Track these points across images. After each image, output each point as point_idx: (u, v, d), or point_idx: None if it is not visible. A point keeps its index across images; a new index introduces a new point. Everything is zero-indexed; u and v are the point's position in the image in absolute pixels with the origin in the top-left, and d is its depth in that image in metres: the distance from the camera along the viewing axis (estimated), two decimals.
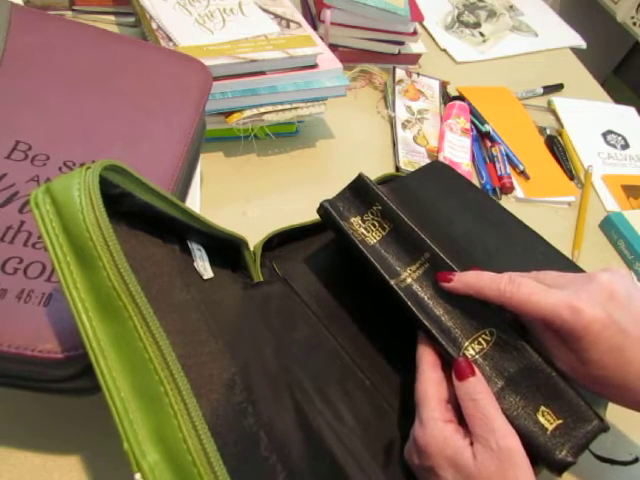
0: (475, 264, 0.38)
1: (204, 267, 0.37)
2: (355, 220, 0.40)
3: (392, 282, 0.37)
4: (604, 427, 0.32)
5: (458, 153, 0.63)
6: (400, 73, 0.71)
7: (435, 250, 0.37)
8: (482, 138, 0.69)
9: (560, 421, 0.32)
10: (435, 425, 0.32)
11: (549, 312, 0.31)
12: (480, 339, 0.35)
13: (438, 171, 0.50)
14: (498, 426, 0.30)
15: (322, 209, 0.41)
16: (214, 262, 0.38)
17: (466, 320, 0.35)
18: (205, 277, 0.36)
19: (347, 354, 0.39)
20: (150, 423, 0.19)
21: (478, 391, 0.32)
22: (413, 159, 0.62)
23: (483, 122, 0.69)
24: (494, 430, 0.30)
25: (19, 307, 0.28)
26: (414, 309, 0.35)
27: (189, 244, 0.37)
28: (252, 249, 0.43)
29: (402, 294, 0.36)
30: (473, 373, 0.33)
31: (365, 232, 0.40)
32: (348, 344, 0.40)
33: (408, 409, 0.35)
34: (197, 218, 0.34)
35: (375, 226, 0.40)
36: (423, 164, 0.51)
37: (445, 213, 0.45)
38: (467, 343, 0.35)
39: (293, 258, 0.45)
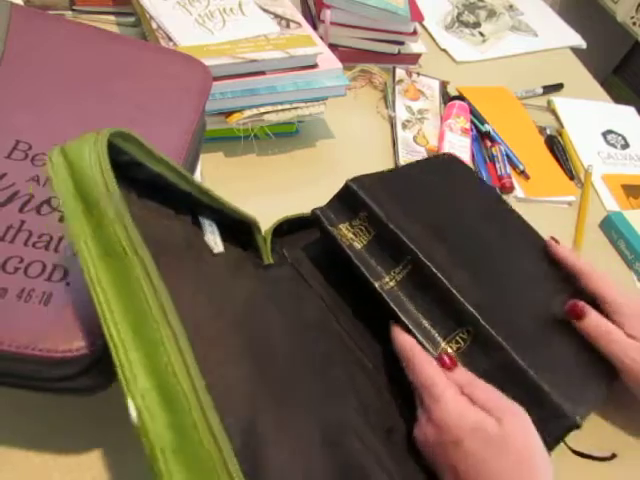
0: (475, 260, 0.40)
1: (215, 241, 0.38)
2: (344, 226, 0.42)
3: (376, 284, 0.39)
4: (576, 423, 0.34)
5: (458, 153, 0.63)
6: (400, 73, 0.71)
7: (417, 254, 0.39)
8: (482, 138, 0.69)
9: (533, 417, 0.33)
10: (452, 397, 0.33)
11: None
12: (457, 337, 0.37)
13: (449, 163, 0.52)
14: (509, 402, 0.33)
15: (313, 216, 0.43)
16: (225, 240, 0.39)
17: (444, 320, 0.38)
18: (215, 251, 0.37)
19: (351, 338, 0.40)
20: (144, 357, 0.21)
21: (472, 377, 0.35)
22: (413, 159, 0.62)
23: (483, 122, 0.69)
24: (508, 405, 0.33)
25: (19, 306, 0.28)
26: (396, 309, 0.38)
27: (200, 219, 0.37)
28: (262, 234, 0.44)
29: (385, 295, 0.38)
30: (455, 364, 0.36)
31: (353, 237, 0.41)
32: (351, 328, 0.41)
33: (407, 393, 0.37)
34: (208, 194, 0.35)
35: (362, 231, 0.42)
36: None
37: (452, 204, 0.47)
38: (444, 342, 0.37)
39: (301, 245, 0.46)
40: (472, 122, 0.69)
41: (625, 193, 0.69)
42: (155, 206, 0.32)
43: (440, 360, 0.36)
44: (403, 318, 0.38)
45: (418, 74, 0.73)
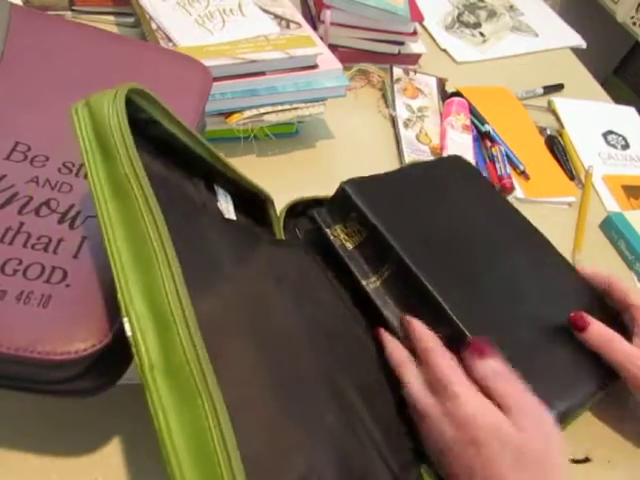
0: (477, 259, 0.42)
1: (227, 209, 0.39)
2: (339, 226, 0.44)
3: (363, 282, 0.41)
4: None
5: (461, 150, 0.63)
6: (398, 71, 0.71)
7: (401, 256, 0.40)
8: (482, 138, 0.69)
9: None
10: (473, 395, 0.33)
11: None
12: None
13: (455, 164, 0.53)
14: (533, 398, 0.33)
15: (310, 217, 0.45)
16: (238, 210, 0.40)
17: (425, 319, 0.39)
18: (226, 216, 0.38)
19: (357, 322, 0.42)
20: (142, 284, 0.23)
21: (501, 366, 0.34)
22: (418, 158, 0.62)
23: (483, 122, 0.69)
24: (530, 404, 0.32)
25: (18, 308, 0.28)
26: (380, 307, 0.41)
27: (215, 187, 0.38)
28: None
29: (370, 293, 0.41)
30: (493, 352, 0.35)
31: (347, 237, 0.44)
32: (355, 312, 0.42)
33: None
34: (222, 160, 0.36)
35: (355, 232, 0.44)
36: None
37: (451, 207, 0.47)
38: None
39: (313, 226, 0.48)
40: (472, 122, 0.69)
41: (625, 194, 0.69)
42: (170, 165, 0.34)
43: (475, 345, 0.35)
44: (385, 314, 0.40)
45: (415, 72, 0.72)
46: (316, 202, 0.47)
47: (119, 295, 0.23)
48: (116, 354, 0.29)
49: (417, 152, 0.63)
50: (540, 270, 0.46)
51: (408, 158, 0.61)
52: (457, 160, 0.54)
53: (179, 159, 0.34)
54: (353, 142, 0.63)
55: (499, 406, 0.32)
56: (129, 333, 0.22)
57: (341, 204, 0.44)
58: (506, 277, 0.44)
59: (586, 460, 0.39)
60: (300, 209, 0.48)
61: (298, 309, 0.38)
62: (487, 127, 0.69)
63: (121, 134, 0.26)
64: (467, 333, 0.36)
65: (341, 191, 0.44)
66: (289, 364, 0.32)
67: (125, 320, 0.22)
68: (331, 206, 0.45)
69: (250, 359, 0.29)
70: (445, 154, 0.62)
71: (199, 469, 0.20)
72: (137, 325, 0.22)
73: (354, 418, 0.34)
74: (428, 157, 0.62)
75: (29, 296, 0.28)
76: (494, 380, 0.33)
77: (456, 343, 0.36)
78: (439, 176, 0.50)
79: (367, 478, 0.32)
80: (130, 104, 0.28)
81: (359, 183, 0.45)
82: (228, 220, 0.38)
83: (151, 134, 0.31)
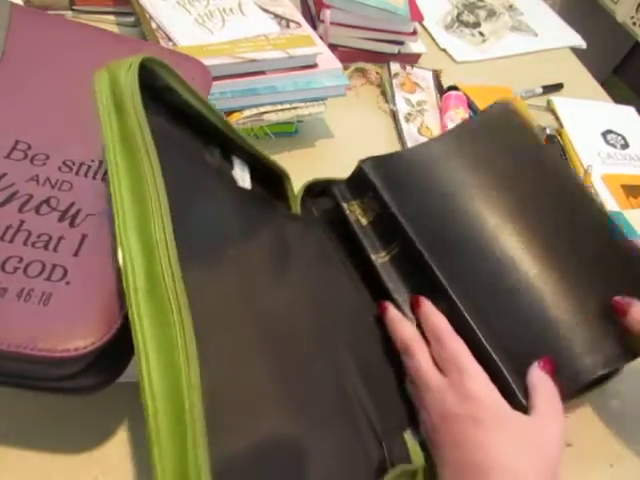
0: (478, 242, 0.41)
1: (243, 178, 0.40)
2: (356, 202, 0.46)
3: (372, 257, 0.43)
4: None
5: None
6: (395, 67, 0.71)
7: (408, 234, 0.42)
8: None
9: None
10: (480, 373, 0.34)
11: None
12: None
13: (503, 119, 0.49)
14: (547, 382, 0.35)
15: (330, 192, 0.47)
16: (255, 183, 0.42)
17: (429, 298, 0.40)
18: (240, 184, 0.40)
19: (362, 298, 0.43)
20: (136, 221, 0.27)
21: None
22: None
23: None
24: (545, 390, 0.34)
25: (19, 306, 0.28)
26: (386, 282, 0.42)
27: (231, 157, 0.40)
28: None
29: (378, 267, 0.43)
30: None
31: (362, 213, 0.46)
32: (364, 290, 0.44)
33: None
34: (238, 133, 0.38)
35: (370, 209, 0.45)
36: None
37: (503, 171, 0.46)
38: None
39: (329, 206, 0.49)
40: (472, 118, 0.69)
41: (625, 193, 0.69)
42: (186, 132, 0.36)
43: None
44: (389, 289, 0.41)
45: (412, 66, 0.72)
46: (333, 183, 0.49)
47: (116, 229, 0.27)
48: (116, 352, 0.29)
49: None
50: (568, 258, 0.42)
51: None
52: (505, 112, 0.49)
53: (196, 128, 0.37)
54: (353, 140, 0.63)
55: None
56: (121, 261, 0.26)
57: (359, 181, 0.46)
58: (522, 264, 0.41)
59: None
60: (317, 190, 0.49)
61: (301, 279, 0.39)
62: None
63: (131, 92, 0.30)
64: (468, 317, 0.37)
65: (358, 170, 0.46)
66: (279, 325, 0.34)
67: (119, 250, 0.26)
68: (349, 183, 0.47)
69: (234, 303, 0.31)
70: None
71: (165, 376, 0.23)
72: (128, 254, 0.26)
73: (349, 388, 0.35)
74: None
75: (29, 294, 0.28)
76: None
77: (455, 325, 0.37)
78: (477, 140, 0.48)
79: (354, 446, 0.32)
80: (148, 72, 0.32)
81: (375, 162, 0.46)
82: (241, 188, 0.40)
83: (168, 101, 0.35)
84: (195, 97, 0.35)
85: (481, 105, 0.71)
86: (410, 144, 0.62)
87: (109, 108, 0.30)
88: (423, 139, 0.64)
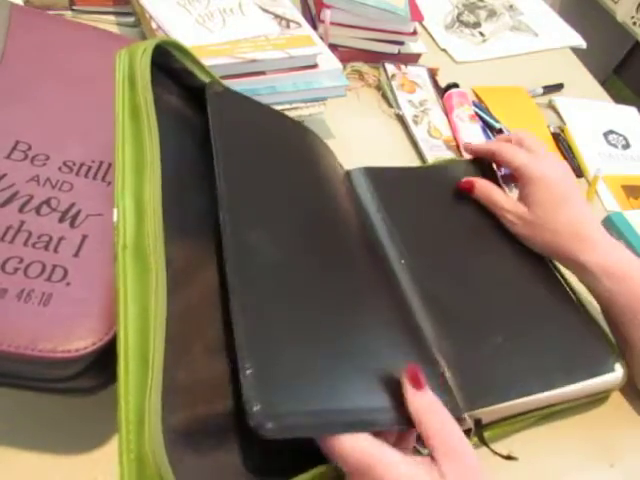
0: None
1: None
2: None
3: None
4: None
5: (474, 140, 0.63)
6: (390, 68, 0.70)
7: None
8: (493, 134, 0.69)
9: None
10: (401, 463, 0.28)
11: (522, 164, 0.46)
12: None
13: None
14: (459, 438, 0.30)
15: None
16: None
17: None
18: None
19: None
20: (134, 186, 0.29)
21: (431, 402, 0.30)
22: (438, 154, 0.62)
23: (496, 120, 0.70)
24: (457, 441, 0.29)
25: (19, 307, 0.28)
26: None
27: None
28: None
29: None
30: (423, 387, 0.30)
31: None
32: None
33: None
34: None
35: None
36: (448, 157, 0.60)
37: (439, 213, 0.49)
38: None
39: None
40: (482, 119, 0.69)
41: (625, 193, 0.69)
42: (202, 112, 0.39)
43: (410, 373, 0.30)
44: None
45: (406, 65, 0.72)
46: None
47: (115, 191, 0.29)
48: (116, 352, 0.29)
49: (434, 148, 0.63)
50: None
51: (430, 157, 0.61)
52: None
53: None
54: (354, 141, 0.63)
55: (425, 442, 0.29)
56: (115, 220, 0.28)
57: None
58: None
59: (509, 457, 0.38)
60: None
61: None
62: (499, 125, 0.69)
63: (143, 69, 0.33)
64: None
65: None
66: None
67: (115, 210, 0.29)
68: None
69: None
70: (462, 148, 0.62)
71: (138, 326, 0.26)
72: (122, 214, 0.28)
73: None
74: (444, 151, 0.63)
75: (30, 294, 0.28)
76: (425, 416, 0.29)
77: None
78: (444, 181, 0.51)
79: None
80: (166, 54, 0.36)
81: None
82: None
83: (188, 85, 0.39)
84: (211, 78, 0.39)
85: (494, 106, 0.71)
86: (425, 147, 0.62)
87: (124, 81, 0.33)
88: (434, 141, 0.64)
